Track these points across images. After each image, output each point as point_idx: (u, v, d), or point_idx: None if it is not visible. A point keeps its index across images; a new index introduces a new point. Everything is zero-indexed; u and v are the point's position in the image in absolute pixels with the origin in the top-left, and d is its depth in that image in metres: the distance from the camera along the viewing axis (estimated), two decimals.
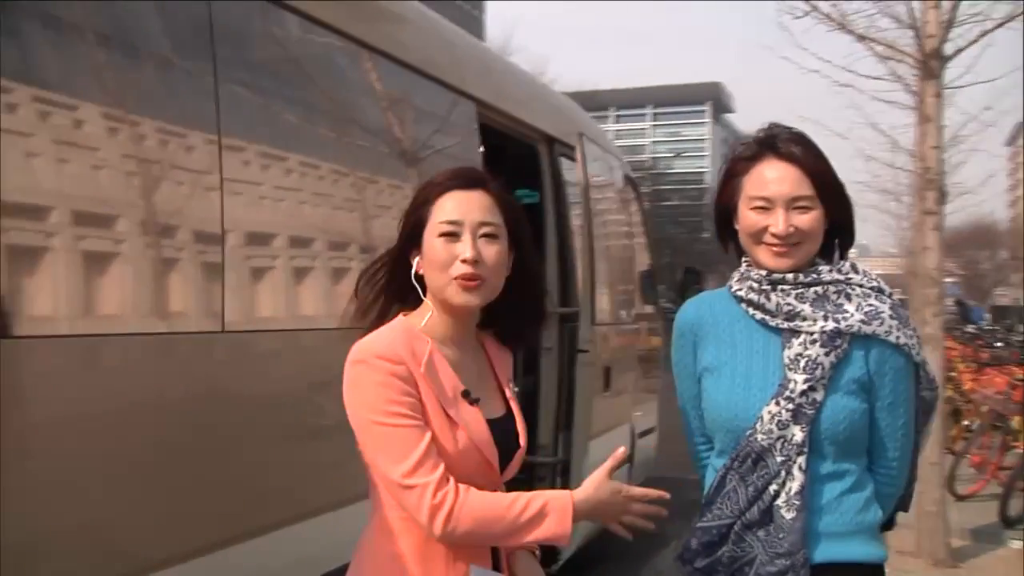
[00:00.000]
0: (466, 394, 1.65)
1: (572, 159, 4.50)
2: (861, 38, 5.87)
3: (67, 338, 1.85)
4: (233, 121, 2.32)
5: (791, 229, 1.85)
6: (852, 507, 1.87)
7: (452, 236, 1.65)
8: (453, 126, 3.54)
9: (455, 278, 1.64)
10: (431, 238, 1.67)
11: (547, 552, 4.34)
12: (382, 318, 1.72)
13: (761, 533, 1.83)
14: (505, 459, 1.71)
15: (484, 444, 1.64)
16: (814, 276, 1.90)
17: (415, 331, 1.66)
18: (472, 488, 1.57)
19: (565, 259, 4.46)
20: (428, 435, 1.57)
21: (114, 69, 2.02)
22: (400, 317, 1.70)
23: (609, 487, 1.66)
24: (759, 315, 1.90)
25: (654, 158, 68.37)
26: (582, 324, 4.34)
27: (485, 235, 1.67)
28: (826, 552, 1.84)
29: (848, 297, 1.89)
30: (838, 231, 1.94)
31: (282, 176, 2.55)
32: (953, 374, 10.03)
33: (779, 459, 1.82)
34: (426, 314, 1.70)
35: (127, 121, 2.03)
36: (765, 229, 1.87)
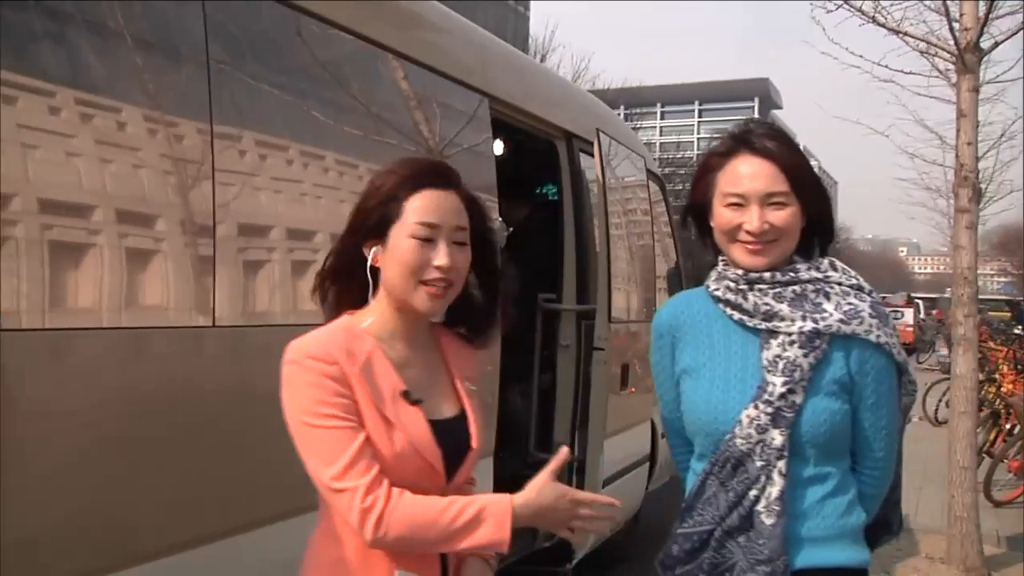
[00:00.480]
0: (406, 394, 1.59)
1: (591, 155, 4.46)
2: (894, 32, 5.75)
3: (42, 332, 1.86)
4: (228, 113, 2.33)
5: (766, 226, 1.81)
6: (835, 511, 1.83)
7: (427, 241, 1.59)
8: (464, 122, 3.52)
9: (424, 283, 1.59)
10: (401, 237, 1.60)
11: (560, 551, 4.35)
12: (328, 317, 1.67)
13: (742, 539, 1.79)
14: (454, 462, 1.65)
15: (424, 446, 1.58)
16: (792, 275, 1.85)
17: (356, 330, 1.61)
18: (407, 492, 1.51)
19: (582, 256, 4.42)
20: (361, 437, 1.51)
21: (91, 55, 2.03)
22: (344, 316, 1.65)
23: (553, 491, 1.57)
24: (736, 315, 1.86)
25: (700, 155, 67.78)
26: (598, 322, 4.29)
27: (457, 241, 1.63)
28: (809, 558, 1.80)
29: (827, 296, 1.85)
30: (816, 228, 1.89)
31: (281, 170, 2.56)
32: (996, 376, 9.78)
33: (759, 464, 1.78)
34: (373, 311, 1.64)
35: (108, 109, 2.03)
36: (740, 227, 1.82)
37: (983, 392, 8.39)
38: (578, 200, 4.43)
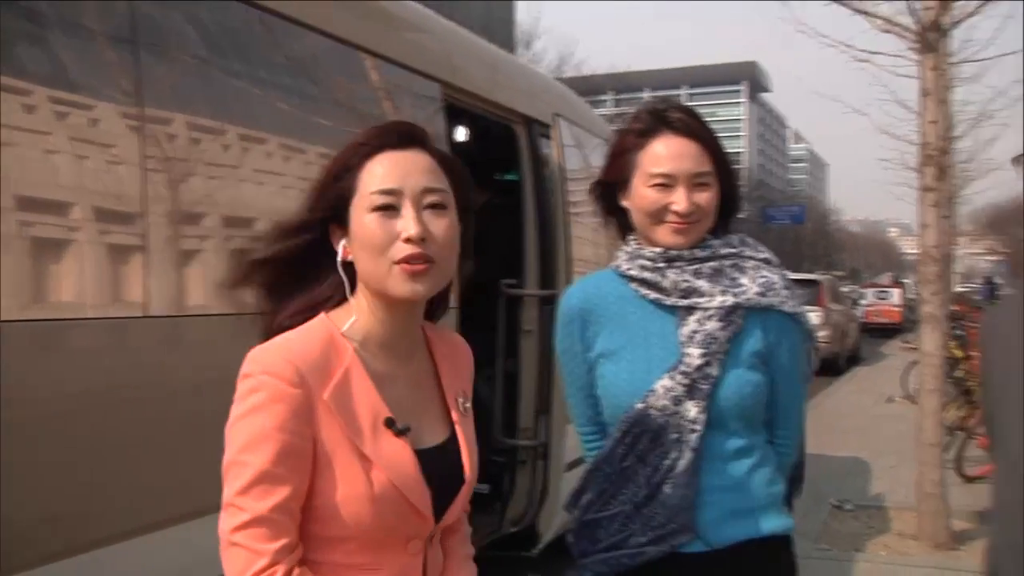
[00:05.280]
0: (390, 423, 1.32)
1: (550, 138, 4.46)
2: (857, 11, 5.75)
3: None
4: (165, 99, 2.33)
5: (693, 206, 1.81)
6: (761, 481, 1.84)
7: (389, 210, 1.31)
8: (415, 107, 3.51)
9: (397, 262, 1.30)
10: (361, 214, 1.32)
11: (527, 536, 4.38)
12: (293, 322, 1.36)
13: (646, 511, 1.79)
14: (444, 498, 1.38)
15: (409, 486, 1.32)
16: (710, 251, 1.85)
17: (336, 336, 1.33)
18: None
19: (544, 241, 4.42)
20: (286, 492, 1.24)
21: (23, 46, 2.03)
22: (321, 316, 1.36)
23: None
24: (652, 294, 1.85)
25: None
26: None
27: (431, 205, 1.33)
28: (744, 530, 1.80)
29: (742, 270, 1.86)
30: (727, 205, 1.90)
31: (222, 156, 2.55)
32: (973, 353, 9.82)
33: (672, 436, 1.78)
34: (352, 314, 1.35)
35: (44, 98, 2.03)
36: (666, 207, 1.81)
37: (962, 369, 8.43)
38: (539, 185, 4.43)
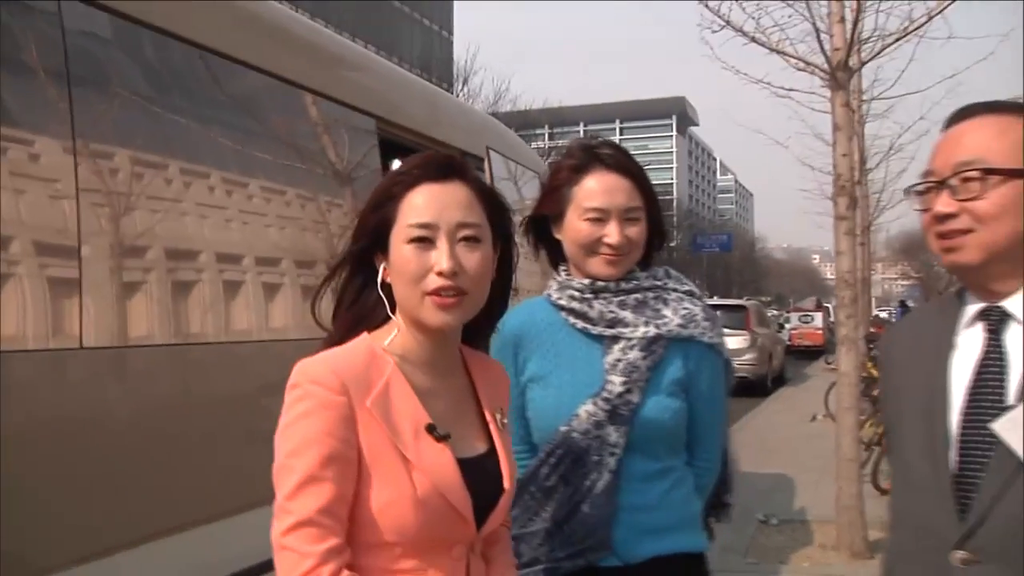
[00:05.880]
0: (431, 429, 1.34)
1: (483, 171, 4.53)
2: (773, 51, 5.97)
3: None
4: (97, 130, 2.32)
5: (625, 240, 1.87)
6: (678, 501, 1.90)
7: (424, 242, 1.34)
8: (349, 142, 3.55)
9: (429, 293, 1.33)
10: (399, 244, 1.36)
11: None
12: (342, 338, 1.41)
13: (566, 528, 1.84)
14: (485, 507, 1.39)
15: (451, 489, 1.33)
16: (635, 283, 1.92)
17: (377, 351, 1.37)
18: None
19: None
20: (333, 493, 1.26)
21: None
22: (364, 335, 1.40)
23: None
24: (580, 324, 1.90)
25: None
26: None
27: (465, 238, 1.36)
28: (657, 547, 1.85)
29: (665, 302, 1.92)
30: (653, 237, 1.96)
31: (163, 190, 2.54)
32: None
33: (594, 459, 1.83)
34: (393, 330, 1.39)
35: None
36: (600, 239, 1.87)
37: (877, 388, 8.70)
38: None
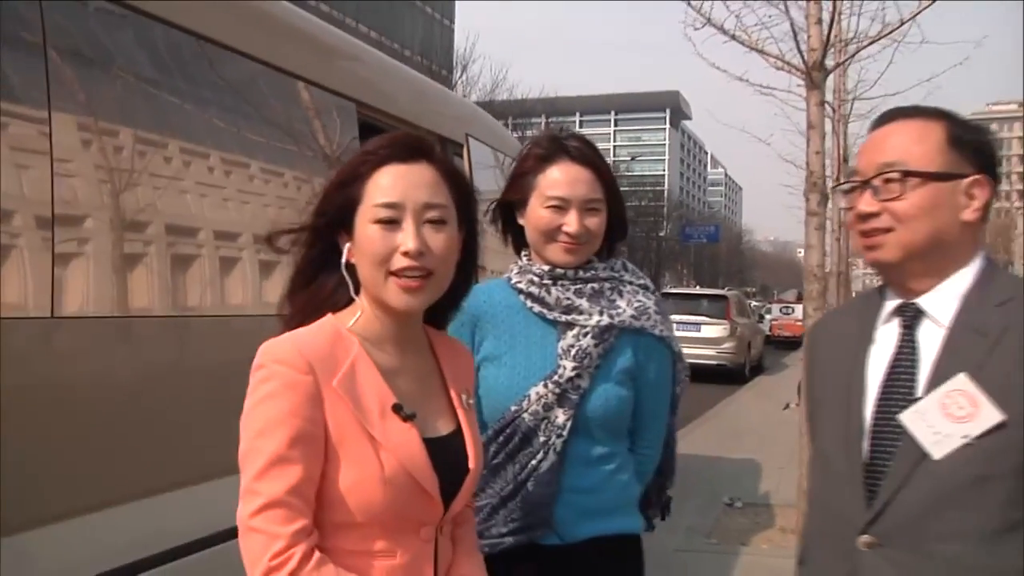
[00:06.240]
0: (398, 408, 1.31)
1: (462, 157, 4.52)
2: (752, 49, 5.94)
3: None
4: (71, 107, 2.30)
5: (584, 229, 1.87)
6: (618, 485, 1.92)
7: (391, 223, 1.31)
8: (328, 125, 3.53)
9: (393, 273, 1.31)
10: (364, 223, 1.32)
11: None
12: (305, 320, 1.36)
13: (510, 505, 1.86)
14: (451, 486, 1.36)
15: (417, 468, 1.30)
16: (592, 272, 1.93)
17: (341, 331, 1.33)
18: (330, 566, 1.23)
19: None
20: (302, 474, 1.22)
21: None
22: (328, 316, 1.36)
23: None
24: (537, 308, 1.91)
25: (615, 161, 68.82)
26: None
27: (431, 220, 1.33)
28: (596, 528, 1.88)
29: (620, 293, 1.93)
30: (614, 229, 1.97)
31: (149, 165, 2.53)
32: None
33: (541, 439, 1.85)
34: (357, 311, 1.36)
35: None
36: (559, 228, 1.88)
37: None
38: None
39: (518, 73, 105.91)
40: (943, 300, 1.44)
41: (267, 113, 3.21)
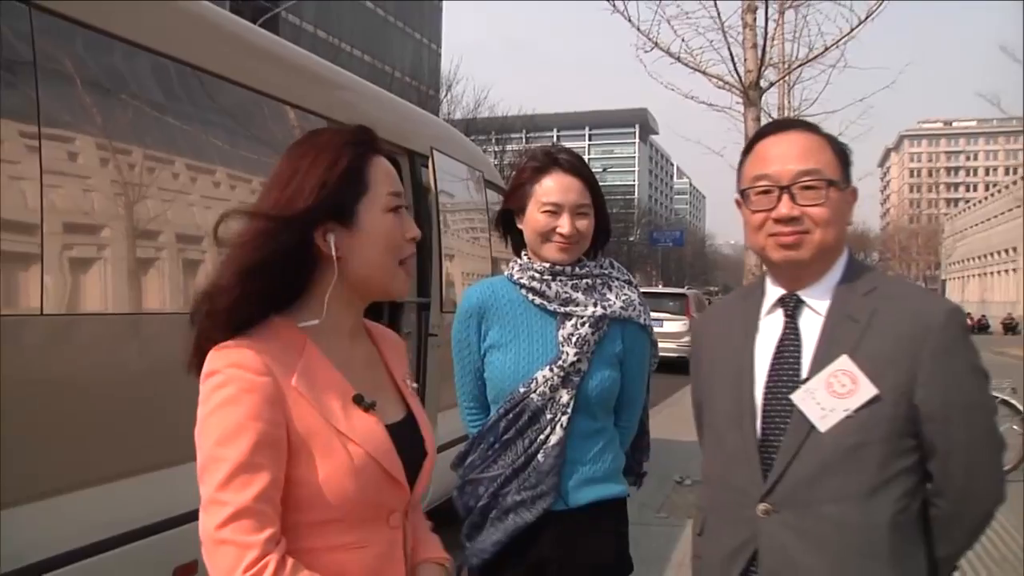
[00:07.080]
0: (359, 399, 1.24)
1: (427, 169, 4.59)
2: (695, 70, 6.08)
3: None
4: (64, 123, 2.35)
5: (575, 231, 2.00)
6: (609, 455, 2.04)
7: (399, 210, 1.29)
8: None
9: (403, 261, 1.29)
10: (376, 212, 1.26)
11: None
12: (252, 319, 1.21)
13: (522, 475, 1.97)
14: (412, 470, 1.30)
15: (384, 455, 1.23)
16: (586, 269, 2.06)
17: (287, 329, 1.23)
18: (305, 572, 1.13)
19: (422, 256, 4.53)
20: (268, 480, 1.12)
21: None
22: (272, 317, 1.24)
23: None
24: (538, 300, 2.03)
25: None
26: (433, 312, 4.44)
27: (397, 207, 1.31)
28: (592, 494, 2.00)
29: (609, 288, 2.06)
30: (600, 232, 2.09)
31: (129, 176, 2.58)
32: None
33: (548, 416, 1.97)
34: (313, 309, 1.24)
35: None
36: (554, 229, 2.01)
37: None
38: (418, 208, 4.54)
39: (498, 93, 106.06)
40: (819, 292, 1.51)
41: (239, 127, 3.26)
